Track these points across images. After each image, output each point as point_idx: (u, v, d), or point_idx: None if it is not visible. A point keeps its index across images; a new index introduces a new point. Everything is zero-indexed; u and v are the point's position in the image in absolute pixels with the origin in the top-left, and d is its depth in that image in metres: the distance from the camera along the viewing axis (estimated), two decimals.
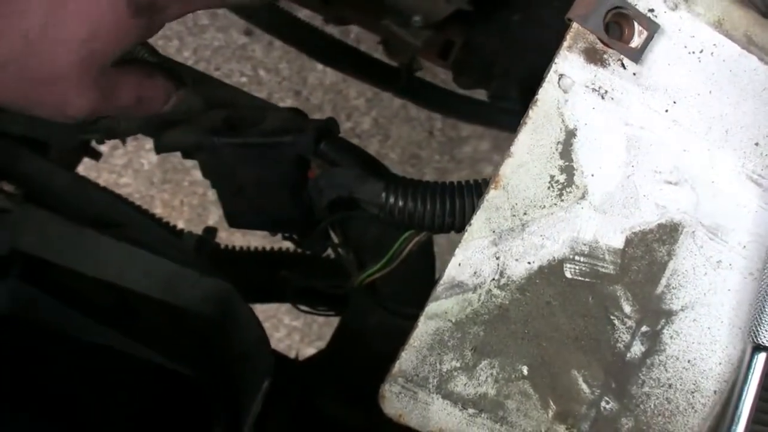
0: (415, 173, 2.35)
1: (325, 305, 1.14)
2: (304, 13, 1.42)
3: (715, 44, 0.67)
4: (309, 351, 2.21)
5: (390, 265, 0.87)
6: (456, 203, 0.77)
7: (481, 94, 1.49)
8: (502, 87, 1.30)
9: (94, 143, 1.29)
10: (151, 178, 2.39)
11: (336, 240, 0.96)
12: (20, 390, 0.75)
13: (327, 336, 2.17)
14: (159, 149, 0.98)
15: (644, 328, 0.68)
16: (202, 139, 0.95)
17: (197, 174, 2.54)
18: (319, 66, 2.39)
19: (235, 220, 1.02)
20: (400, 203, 0.80)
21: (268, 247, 1.26)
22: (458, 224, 0.78)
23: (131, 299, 0.84)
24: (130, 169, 2.39)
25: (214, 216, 2.33)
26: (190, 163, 2.38)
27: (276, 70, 2.47)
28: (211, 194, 2.36)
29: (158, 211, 2.29)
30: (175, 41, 2.51)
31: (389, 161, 2.34)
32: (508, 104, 1.32)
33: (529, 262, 0.67)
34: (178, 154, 1.03)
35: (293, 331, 2.23)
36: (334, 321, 1.12)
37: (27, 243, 0.74)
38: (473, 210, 0.68)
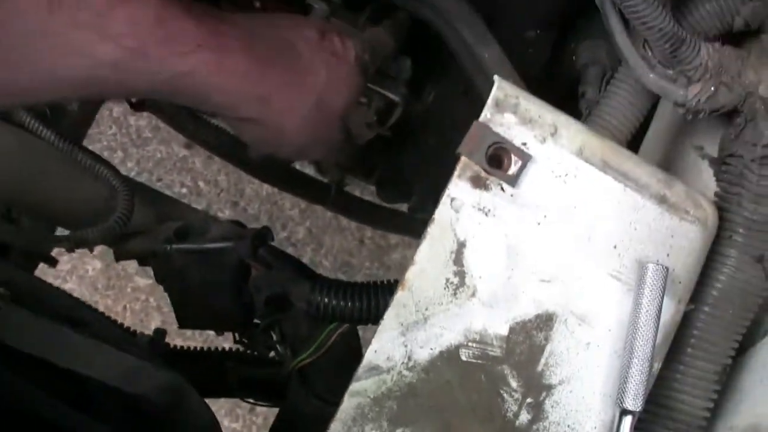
0: (347, 279, 2.36)
1: (267, 396, 1.24)
2: None
3: (577, 168, 0.77)
4: None
5: (318, 352, 1.00)
6: (371, 301, 0.91)
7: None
8: (420, 201, 1.42)
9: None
10: (95, 283, 2.39)
11: (275, 338, 1.08)
12: None
13: None
14: (119, 257, 1.10)
15: (529, 400, 0.77)
16: (157, 247, 1.08)
17: (140, 280, 2.52)
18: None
19: (185, 321, 1.13)
20: (326, 300, 0.94)
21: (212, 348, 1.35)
22: (373, 317, 0.91)
23: (90, 389, 0.90)
24: (75, 275, 2.39)
25: (156, 321, 2.34)
26: (132, 269, 2.42)
27: (215, 182, 2.51)
28: (153, 300, 2.37)
29: None
30: (119, 152, 2.52)
31: (323, 269, 2.35)
32: (425, 216, 1.43)
33: (431, 348, 0.76)
34: (123, 262, 1.14)
35: None
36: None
37: (10, 337, 0.81)
38: (385, 306, 0.77)
